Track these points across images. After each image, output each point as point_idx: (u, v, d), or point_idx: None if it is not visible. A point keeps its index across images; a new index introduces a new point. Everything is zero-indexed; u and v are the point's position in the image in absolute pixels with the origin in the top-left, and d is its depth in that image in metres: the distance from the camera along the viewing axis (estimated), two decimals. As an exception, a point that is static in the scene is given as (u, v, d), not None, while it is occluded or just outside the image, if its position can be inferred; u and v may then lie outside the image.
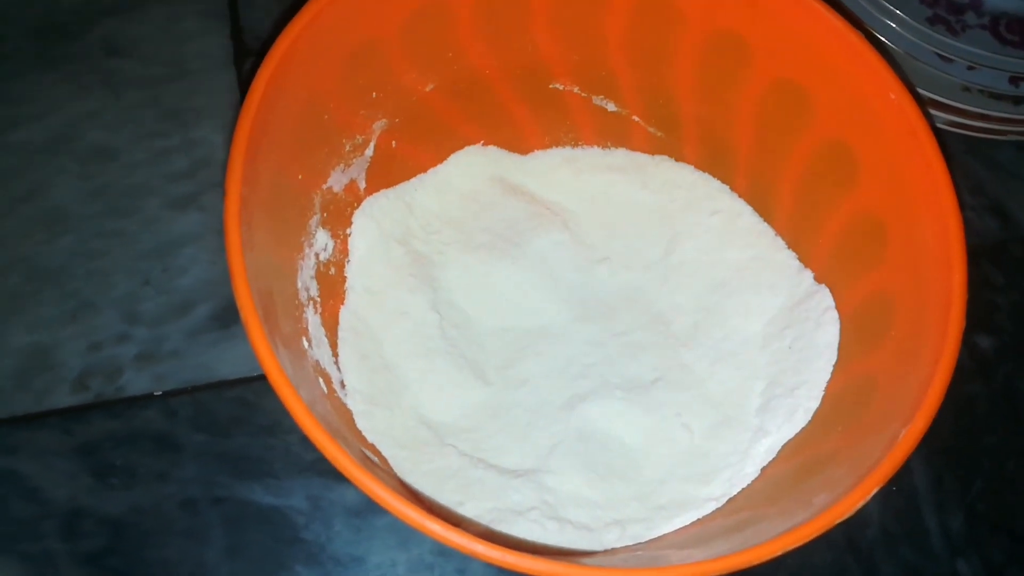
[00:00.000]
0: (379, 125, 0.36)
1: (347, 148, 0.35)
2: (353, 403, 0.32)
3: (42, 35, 0.46)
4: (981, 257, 0.44)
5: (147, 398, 0.37)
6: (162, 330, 0.39)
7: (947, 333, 0.27)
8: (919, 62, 0.44)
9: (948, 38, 0.44)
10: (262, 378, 0.38)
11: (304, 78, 0.31)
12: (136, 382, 0.38)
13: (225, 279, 0.40)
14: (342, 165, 0.35)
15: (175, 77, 0.45)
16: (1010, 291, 0.43)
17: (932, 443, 0.39)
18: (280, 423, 0.37)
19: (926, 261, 0.29)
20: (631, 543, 0.30)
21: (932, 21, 0.44)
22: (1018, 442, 0.40)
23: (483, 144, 0.40)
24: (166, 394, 0.38)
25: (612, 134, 0.40)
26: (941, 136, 0.45)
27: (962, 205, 0.46)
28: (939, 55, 0.44)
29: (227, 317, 0.39)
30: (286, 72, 0.30)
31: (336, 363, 0.33)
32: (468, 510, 0.30)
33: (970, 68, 0.44)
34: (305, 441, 0.33)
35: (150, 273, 0.40)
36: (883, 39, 0.44)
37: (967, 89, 0.44)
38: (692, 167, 0.39)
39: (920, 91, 0.44)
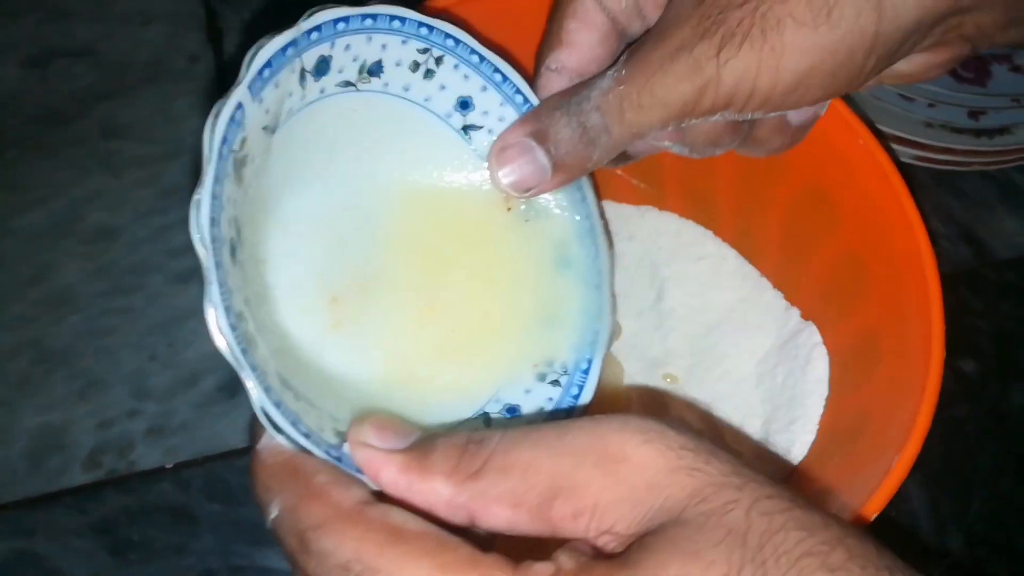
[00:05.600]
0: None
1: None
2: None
3: (41, 122, 0.47)
4: (958, 284, 0.45)
5: (159, 471, 0.38)
6: (171, 403, 0.40)
7: (930, 362, 0.29)
8: (883, 102, 0.46)
9: (908, 79, 0.46)
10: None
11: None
12: (148, 456, 0.38)
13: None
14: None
15: (171, 155, 0.47)
16: (989, 315, 0.45)
17: (926, 469, 0.40)
18: (292, 488, 0.38)
19: (905, 295, 0.31)
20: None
21: (892, 64, 0.47)
22: (1010, 461, 0.42)
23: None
24: (178, 466, 0.38)
25: (598, 188, 0.42)
26: (910, 171, 0.47)
27: (935, 235, 0.48)
28: (901, 95, 0.46)
29: (234, 387, 0.40)
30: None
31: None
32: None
33: (930, 105, 0.46)
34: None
35: (156, 348, 0.41)
36: (847, 83, 0.46)
37: (929, 125, 0.46)
38: (676, 215, 0.41)
39: (886, 129, 0.46)
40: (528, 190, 0.28)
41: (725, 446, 0.22)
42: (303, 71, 0.26)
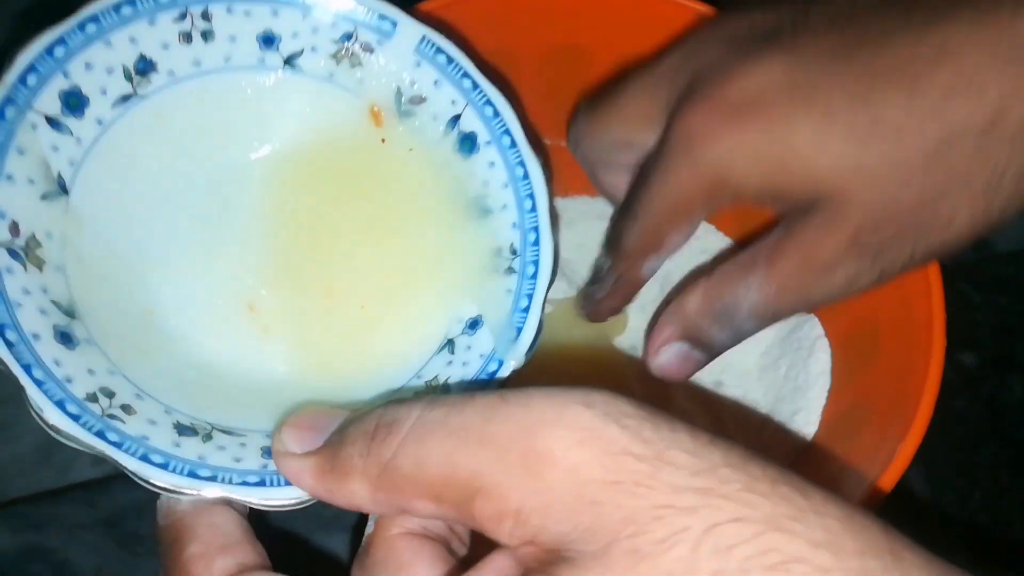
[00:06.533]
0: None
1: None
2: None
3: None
4: (958, 278, 0.46)
5: (167, 466, 0.38)
6: (178, 398, 0.40)
7: (931, 354, 0.29)
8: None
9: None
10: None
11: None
12: (156, 451, 0.39)
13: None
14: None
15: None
16: (988, 308, 0.45)
17: (928, 460, 0.41)
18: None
19: (906, 288, 0.31)
20: None
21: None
22: (1008, 453, 0.42)
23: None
24: (185, 460, 0.39)
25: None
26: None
27: (935, 229, 0.48)
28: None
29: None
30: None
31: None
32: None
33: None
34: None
35: (163, 343, 0.41)
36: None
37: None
38: (678, 210, 0.41)
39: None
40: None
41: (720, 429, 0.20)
42: (50, 119, 0.23)
